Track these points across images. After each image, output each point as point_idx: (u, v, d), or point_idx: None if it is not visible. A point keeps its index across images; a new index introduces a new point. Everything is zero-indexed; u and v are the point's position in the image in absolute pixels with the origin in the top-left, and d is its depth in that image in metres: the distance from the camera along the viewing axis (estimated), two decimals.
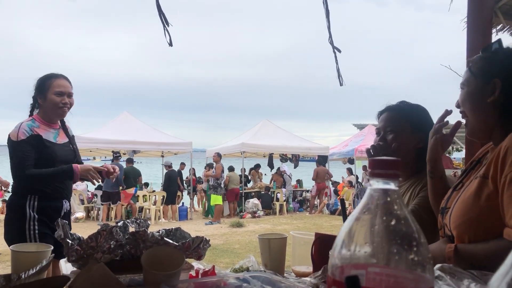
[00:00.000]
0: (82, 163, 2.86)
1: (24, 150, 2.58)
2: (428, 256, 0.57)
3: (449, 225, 1.34)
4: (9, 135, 2.66)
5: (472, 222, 1.25)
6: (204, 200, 14.55)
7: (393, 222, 0.57)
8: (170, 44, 2.07)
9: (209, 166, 13.55)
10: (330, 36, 2.54)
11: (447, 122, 1.52)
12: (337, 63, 2.66)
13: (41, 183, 2.62)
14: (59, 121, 2.82)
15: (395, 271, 0.56)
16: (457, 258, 1.24)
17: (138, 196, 12.87)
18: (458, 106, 1.43)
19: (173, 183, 13.09)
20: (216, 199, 12.58)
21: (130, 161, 13.14)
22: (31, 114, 2.79)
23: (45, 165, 2.63)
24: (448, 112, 1.51)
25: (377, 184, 0.60)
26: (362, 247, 0.58)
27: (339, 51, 2.66)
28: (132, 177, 12.37)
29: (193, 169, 14.48)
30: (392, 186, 0.59)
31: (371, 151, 1.81)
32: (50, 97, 2.66)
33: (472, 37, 2.26)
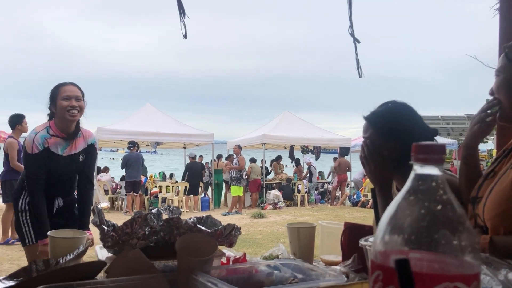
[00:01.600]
0: (89, 174, 2.98)
1: (37, 167, 2.75)
2: (474, 241, 0.56)
3: (482, 215, 1.31)
4: (24, 141, 2.86)
5: (508, 214, 1.23)
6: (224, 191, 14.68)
7: (438, 207, 0.57)
8: (185, 36, 2.08)
9: (229, 158, 13.61)
10: (351, 26, 2.51)
11: (494, 112, 1.43)
12: (356, 54, 2.63)
13: (33, 207, 2.80)
14: (74, 129, 2.87)
15: (440, 257, 0.56)
16: (492, 251, 1.22)
17: (161, 186, 13.04)
18: (492, 93, 1.40)
19: (195, 175, 13.20)
20: (238, 191, 12.66)
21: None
22: (50, 118, 2.91)
23: (46, 175, 2.79)
24: (495, 102, 1.40)
25: (421, 169, 0.60)
26: (405, 232, 0.58)
27: (358, 41, 2.63)
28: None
29: (214, 160, 14.57)
30: (436, 171, 0.59)
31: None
32: (59, 103, 2.77)
33: (505, 24, 2.20)
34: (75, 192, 3.03)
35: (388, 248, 0.58)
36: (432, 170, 0.59)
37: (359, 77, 2.55)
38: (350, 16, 2.35)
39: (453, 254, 0.55)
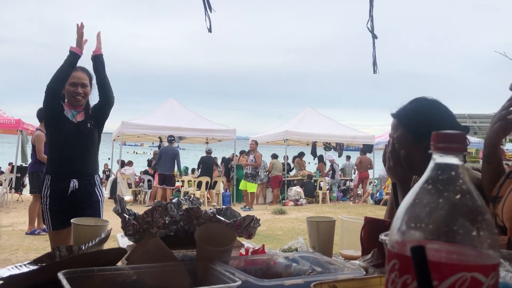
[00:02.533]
0: (94, 139, 3.09)
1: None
2: (493, 231, 0.55)
3: (501, 215, 1.28)
4: None
5: None
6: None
7: (457, 197, 0.56)
8: (210, 30, 2.09)
9: (245, 153, 13.59)
10: (371, 21, 2.47)
11: None
12: (374, 49, 2.60)
13: (58, 79, 2.94)
14: (83, 107, 3.12)
15: (457, 247, 0.55)
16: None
17: (184, 181, 13.16)
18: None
19: (208, 169, 13.27)
20: (252, 187, 12.67)
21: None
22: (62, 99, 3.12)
23: (58, 142, 2.98)
24: None
25: (441, 159, 0.59)
26: (423, 222, 0.57)
27: (376, 37, 2.58)
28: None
29: (237, 156, 14.60)
30: (456, 160, 0.58)
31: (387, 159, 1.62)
32: (67, 87, 3.01)
33: None
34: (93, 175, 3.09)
35: (405, 237, 0.57)
36: (451, 160, 0.58)
37: (374, 73, 2.52)
38: (370, 10, 2.32)
39: (471, 244, 0.54)
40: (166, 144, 13.16)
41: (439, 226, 0.56)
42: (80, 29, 3.08)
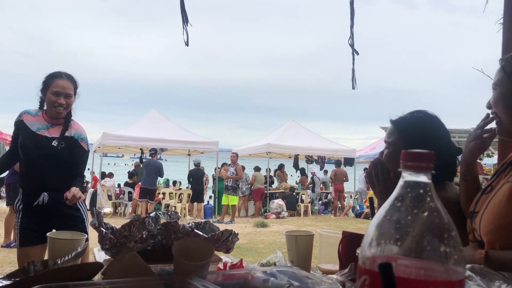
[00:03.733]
0: (77, 168, 2.90)
1: (13, 133, 2.87)
2: (459, 248, 0.57)
3: (478, 230, 1.31)
4: None
5: (503, 228, 1.22)
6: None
7: (425, 214, 0.58)
8: (187, 43, 2.10)
9: (226, 165, 13.55)
10: (352, 37, 2.53)
11: (490, 129, 1.45)
12: (353, 65, 2.65)
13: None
14: (63, 119, 2.87)
15: (425, 263, 0.57)
16: (488, 265, 1.21)
17: (165, 193, 13.05)
18: (489, 107, 1.41)
19: (198, 181, 13.21)
20: (233, 200, 12.63)
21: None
22: (40, 106, 2.93)
23: (25, 156, 2.81)
24: (489, 119, 1.43)
25: (409, 177, 0.61)
26: (393, 238, 0.59)
27: (357, 53, 2.64)
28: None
29: (218, 168, 14.56)
30: (424, 178, 0.60)
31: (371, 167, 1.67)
32: (48, 95, 2.76)
33: (508, 37, 2.21)
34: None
35: (375, 253, 0.59)
36: (420, 178, 0.60)
37: (353, 88, 2.57)
38: (351, 27, 2.38)
39: (439, 260, 0.56)
40: (147, 156, 13.07)
41: (407, 243, 0.58)
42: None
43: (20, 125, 2.81)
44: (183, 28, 1.97)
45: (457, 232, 0.58)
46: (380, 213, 0.61)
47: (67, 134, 2.83)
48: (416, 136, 1.56)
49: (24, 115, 2.82)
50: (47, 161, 2.78)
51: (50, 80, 2.77)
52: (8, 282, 1.15)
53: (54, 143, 2.78)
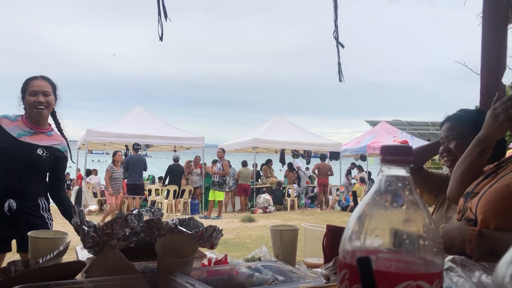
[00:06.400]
0: (60, 178, 2.84)
1: None
2: (437, 241, 0.58)
3: (474, 209, 1.33)
4: None
5: (503, 210, 1.25)
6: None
7: (403, 207, 0.58)
8: (161, 38, 2.05)
9: (214, 162, 13.54)
10: (336, 31, 2.53)
11: None
12: (339, 58, 2.66)
13: None
14: (49, 126, 2.79)
15: (405, 256, 0.57)
16: (479, 242, 1.24)
17: (151, 189, 12.98)
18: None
19: (177, 177, 13.13)
20: (219, 196, 12.62)
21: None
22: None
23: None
24: None
25: (388, 171, 0.61)
26: (372, 232, 0.59)
27: (342, 46, 2.65)
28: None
29: (205, 163, 14.52)
30: (403, 172, 0.60)
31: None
32: (27, 98, 2.68)
33: (487, 32, 2.24)
34: (41, 201, 2.77)
35: (355, 247, 0.59)
36: (399, 171, 0.61)
37: (339, 81, 2.58)
38: (335, 20, 2.38)
39: (417, 253, 0.57)
40: (131, 152, 12.96)
41: (387, 236, 0.58)
42: None
43: None
44: (159, 22, 1.94)
45: (436, 225, 0.59)
46: (359, 207, 0.61)
47: (53, 144, 2.77)
48: (473, 124, 1.71)
49: (2, 120, 2.69)
50: (26, 168, 2.67)
51: (27, 84, 2.70)
52: None
53: (39, 151, 2.70)
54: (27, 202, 2.66)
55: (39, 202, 2.73)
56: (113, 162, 11.18)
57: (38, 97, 2.66)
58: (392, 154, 0.61)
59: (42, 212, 2.74)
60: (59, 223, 2.91)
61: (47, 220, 2.76)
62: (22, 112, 2.78)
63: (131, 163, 11.92)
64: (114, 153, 11.50)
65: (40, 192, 2.75)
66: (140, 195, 11.95)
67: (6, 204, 2.59)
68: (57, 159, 2.77)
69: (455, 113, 1.91)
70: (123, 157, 12.65)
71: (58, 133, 2.84)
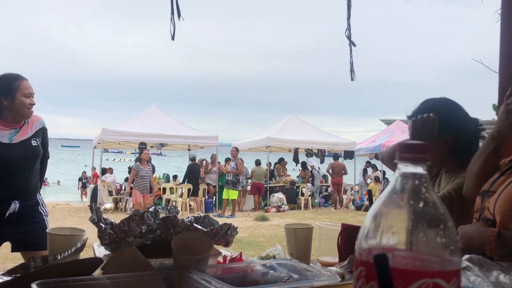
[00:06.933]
0: (47, 157, 2.86)
1: None
2: (455, 239, 0.57)
3: (492, 208, 1.31)
4: None
5: None
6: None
7: (420, 205, 0.58)
8: (173, 37, 2.06)
9: (226, 161, 13.56)
10: (348, 29, 2.52)
11: None
12: (351, 57, 2.65)
13: None
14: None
15: (422, 254, 0.57)
16: (498, 243, 1.22)
17: (165, 188, 13.06)
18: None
19: (195, 176, 13.19)
20: (233, 194, 12.66)
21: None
22: None
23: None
24: None
25: (405, 168, 0.61)
26: (389, 230, 0.59)
27: (354, 45, 2.64)
28: None
29: (219, 162, 14.55)
30: (420, 169, 0.60)
31: None
32: (20, 98, 2.64)
33: (506, 29, 2.21)
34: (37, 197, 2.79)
35: (371, 245, 0.59)
36: (416, 169, 0.60)
37: (352, 80, 2.57)
38: (348, 18, 2.37)
39: (434, 251, 0.56)
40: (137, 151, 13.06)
41: (403, 234, 0.58)
42: None
43: None
44: (171, 20, 1.95)
45: (453, 223, 0.58)
46: (376, 205, 0.61)
47: (37, 127, 2.79)
48: (441, 119, 1.65)
49: None
50: (28, 166, 2.70)
51: (17, 83, 2.65)
52: (8, 278, 1.16)
53: (33, 142, 2.72)
54: (29, 201, 2.70)
55: (38, 199, 2.79)
56: (140, 160, 11.02)
57: (31, 100, 2.69)
58: (409, 152, 0.60)
59: (40, 209, 2.78)
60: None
61: (44, 217, 2.80)
62: None
63: None
64: (141, 152, 11.40)
65: (38, 189, 2.81)
66: (149, 193, 11.98)
67: (12, 207, 2.62)
68: (44, 135, 2.83)
69: (415, 109, 1.76)
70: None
71: (28, 114, 2.74)
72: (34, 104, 2.71)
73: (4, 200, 2.61)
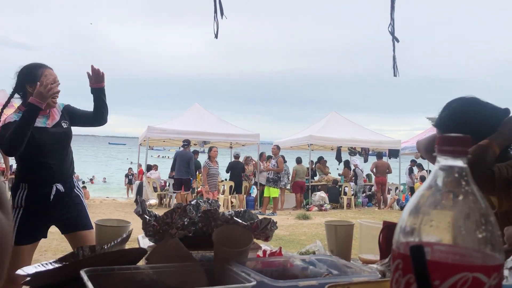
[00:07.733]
0: (70, 138, 2.86)
1: (8, 131, 2.55)
2: (496, 233, 0.56)
3: None
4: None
5: None
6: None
7: (461, 198, 0.57)
8: (216, 36, 2.09)
9: (267, 158, 13.55)
10: (392, 24, 2.47)
11: None
12: (394, 52, 2.59)
13: (18, 139, 2.52)
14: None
15: (461, 248, 0.56)
16: None
17: None
18: None
19: (238, 173, 13.30)
20: (274, 192, 12.65)
21: (195, 153, 13.52)
22: (8, 102, 2.79)
23: (36, 152, 2.65)
24: None
25: (445, 161, 0.60)
26: (427, 223, 0.58)
27: (397, 40, 2.58)
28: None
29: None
30: (460, 163, 0.59)
31: None
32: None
33: None
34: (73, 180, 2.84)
35: (409, 238, 0.59)
36: (456, 162, 0.59)
37: (394, 75, 2.52)
38: (391, 13, 2.32)
39: (474, 245, 0.55)
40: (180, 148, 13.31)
41: (442, 228, 0.57)
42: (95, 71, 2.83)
43: (32, 129, 2.64)
44: (214, 19, 1.98)
45: (494, 217, 0.57)
46: (414, 198, 0.61)
47: (60, 110, 2.83)
48: (462, 128, 1.47)
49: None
50: (63, 148, 2.76)
51: (41, 70, 2.68)
52: (59, 265, 1.22)
53: (64, 124, 2.78)
54: (67, 183, 2.76)
55: (74, 182, 2.86)
56: (209, 158, 10.99)
57: (56, 87, 2.71)
58: (449, 145, 0.59)
59: (77, 191, 2.84)
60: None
61: (82, 198, 2.86)
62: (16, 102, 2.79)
63: (179, 158, 12.19)
64: (210, 149, 11.42)
65: (72, 171, 2.85)
66: (186, 190, 12.17)
67: (54, 188, 2.67)
68: (70, 110, 2.87)
69: (438, 117, 1.68)
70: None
71: (52, 104, 2.76)
72: (59, 92, 2.73)
73: (47, 183, 2.67)
